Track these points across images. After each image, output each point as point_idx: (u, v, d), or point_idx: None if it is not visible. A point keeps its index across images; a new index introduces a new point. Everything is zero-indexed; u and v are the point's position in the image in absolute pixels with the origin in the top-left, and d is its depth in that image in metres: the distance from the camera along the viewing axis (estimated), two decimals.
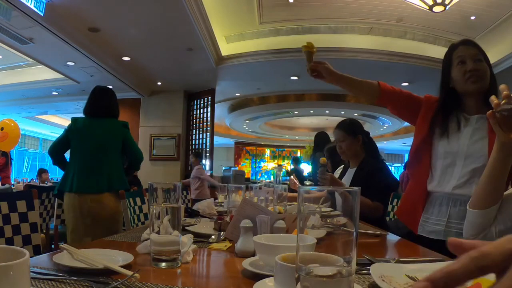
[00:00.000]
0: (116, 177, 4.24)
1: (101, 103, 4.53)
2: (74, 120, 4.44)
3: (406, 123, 16.82)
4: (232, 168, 15.32)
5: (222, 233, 2.04)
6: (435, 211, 2.32)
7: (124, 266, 1.27)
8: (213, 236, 2.01)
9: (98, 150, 4.26)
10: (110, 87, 5.42)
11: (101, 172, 4.16)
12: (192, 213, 2.98)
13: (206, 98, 12.30)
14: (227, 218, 2.32)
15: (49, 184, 9.78)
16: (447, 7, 6.73)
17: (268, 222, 1.79)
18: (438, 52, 9.70)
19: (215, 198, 4.56)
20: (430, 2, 6.56)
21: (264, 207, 2.09)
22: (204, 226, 2.35)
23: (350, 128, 3.77)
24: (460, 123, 2.32)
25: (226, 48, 10.15)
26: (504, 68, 9.09)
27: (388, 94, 2.61)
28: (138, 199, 3.56)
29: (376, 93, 2.62)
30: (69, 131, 4.36)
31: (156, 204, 1.45)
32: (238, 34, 10.00)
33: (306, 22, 9.50)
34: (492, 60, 8.41)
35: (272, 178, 25.72)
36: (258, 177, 26.79)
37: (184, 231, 2.00)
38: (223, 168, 17.61)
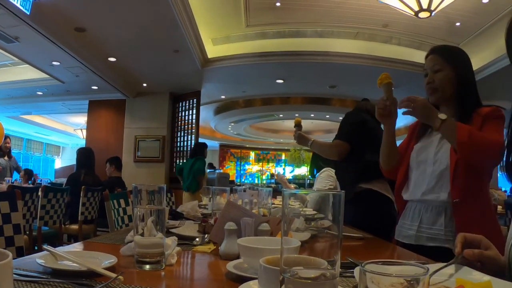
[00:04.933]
0: (189, 185, 8.92)
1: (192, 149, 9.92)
2: None
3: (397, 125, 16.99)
4: (217, 171, 15.27)
5: (206, 235, 2.04)
6: (409, 217, 2.41)
7: (107, 269, 1.27)
8: (197, 239, 2.00)
9: (187, 173, 8.98)
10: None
11: (185, 182, 9.08)
12: (176, 215, 2.98)
13: (191, 100, 12.23)
14: (212, 221, 2.31)
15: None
16: (433, 13, 6.77)
17: (253, 225, 1.80)
18: (423, 57, 9.70)
19: (200, 200, 4.56)
20: (416, 8, 6.60)
21: (248, 210, 2.10)
22: (188, 229, 2.35)
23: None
24: (433, 131, 2.40)
25: (212, 51, 10.13)
26: (489, 74, 9.17)
27: (399, 163, 2.65)
28: (122, 201, 3.54)
29: (394, 161, 2.65)
30: None
31: (140, 206, 1.45)
32: (225, 37, 9.99)
33: (293, 25, 9.51)
34: (476, 66, 8.49)
35: (256, 181, 25.76)
36: (243, 180, 26.82)
37: (168, 233, 1.99)
38: (208, 170, 17.53)
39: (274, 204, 3.89)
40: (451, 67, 2.34)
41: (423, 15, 6.79)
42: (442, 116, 2.15)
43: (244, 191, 3.62)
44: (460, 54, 2.46)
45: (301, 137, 3.85)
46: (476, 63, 9.30)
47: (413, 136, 2.58)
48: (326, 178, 4.96)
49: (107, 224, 3.43)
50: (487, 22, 8.62)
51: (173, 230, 2.20)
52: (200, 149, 9.35)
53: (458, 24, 8.78)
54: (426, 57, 2.48)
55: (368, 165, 3.31)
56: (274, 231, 1.82)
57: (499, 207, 5.78)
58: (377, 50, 9.96)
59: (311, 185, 14.78)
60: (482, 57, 9.19)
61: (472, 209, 2.17)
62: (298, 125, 3.93)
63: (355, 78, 11.20)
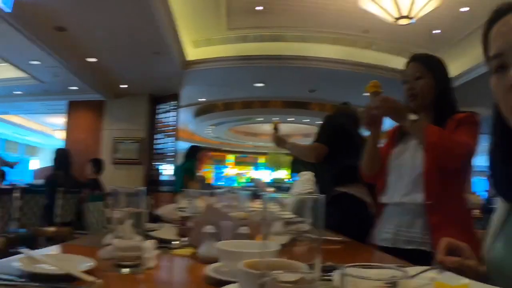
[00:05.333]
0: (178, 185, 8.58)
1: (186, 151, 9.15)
2: None
3: None
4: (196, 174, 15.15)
5: (185, 238, 2.03)
6: (387, 220, 2.46)
7: (86, 272, 1.26)
8: (176, 242, 1.99)
9: (179, 174, 9.19)
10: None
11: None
12: (155, 219, 2.96)
13: (171, 103, 12.20)
14: (190, 224, 2.30)
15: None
16: (413, 21, 6.84)
17: (232, 228, 1.79)
18: (402, 64, 9.81)
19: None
20: (396, 15, 6.65)
21: (227, 214, 2.09)
22: (167, 232, 2.32)
23: None
24: (410, 138, 2.45)
25: (193, 53, 10.11)
26: (466, 81, 9.37)
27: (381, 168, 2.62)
28: (100, 203, 3.52)
29: (377, 167, 2.59)
30: None
31: (118, 209, 1.44)
32: (206, 39, 9.98)
33: (274, 29, 9.54)
34: (454, 73, 8.59)
35: (235, 184, 25.65)
36: (221, 183, 26.74)
37: (147, 236, 1.98)
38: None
39: (252, 208, 3.89)
40: (432, 75, 2.41)
41: (403, 22, 6.86)
42: (413, 116, 2.19)
43: (223, 194, 3.62)
44: (440, 63, 2.52)
45: (279, 140, 3.90)
46: (454, 69, 9.44)
47: (391, 141, 2.62)
48: (305, 182, 4.97)
49: (85, 226, 3.41)
50: (466, 31, 8.76)
51: (151, 233, 2.18)
52: (192, 151, 9.36)
53: (437, 31, 8.89)
54: (407, 64, 2.53)
55: (345, 169, 3.34)
56: (254, 234, 1.82)
57: (476, 211, 5.85)
58: (357, 56, 10.04)
59: (290, 189, 14.79)
60: (461, 64, 9.37)
61: (446, 211, 2.21)
62: (276, 128, 3.98)
63: (334, 83, 11.27)
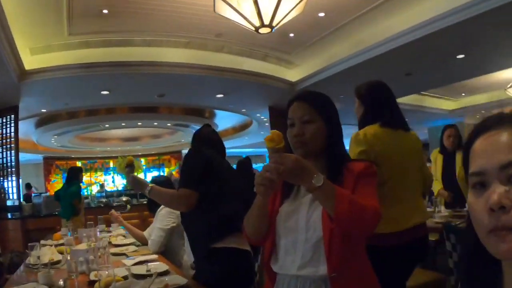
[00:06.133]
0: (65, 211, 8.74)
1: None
2: None
3: (221, 128, 17.14)
4: (43, 194, 13.84)
5: None
6: None
7: None
8: None
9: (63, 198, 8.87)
10: None
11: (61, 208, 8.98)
12: None
13: (8, 117, 11.23)
14: None
15: None
16: (274, 29, 6.68)
17: None
18: (254, 65, 10.02)
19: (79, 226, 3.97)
20: (257, 24, 6.42)
21: None
22: None
23: None
24: (300, 191, 2.10)
25: (30, 61, 9.20)
26: (318, 80, 9.95)
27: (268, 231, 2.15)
28: None
29: (263, 231, 2.12)
30: None
31: None
32: (44, 46, 9.13)
33: (120, 34, 8.97)
34: (307, 72, 8.87)
35: (86, 193, 24.57)
36: None
37: None
38: (33, 194, 15.89)
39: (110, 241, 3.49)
40: (322, 119, 2.06)
41: (263, 31, 6.67)
42: (318, 181, 1.76)
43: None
44: (330, 104, 2.16)
45: (135, 182, 3.32)
46: (307, 69, 10.09)
47: (278, 194, 2.18)
48: (168, 215, 4.45)
49: None
50: (320, 34, 9.09)
51: None
52: (74, 174, 9.37)
53: (291, 35, 9.06)
54: (290, 104, 2.13)
55: (221, 219, 2.93)
56: None
57: None
58: (208, 59, 9.91)
59: (144, 196, 14.29)
60: (313, 64, 9.90)
61: (352, 280, 1.91)
62: (130, 165, 3.39)
63: (185, 87, 11.13)
